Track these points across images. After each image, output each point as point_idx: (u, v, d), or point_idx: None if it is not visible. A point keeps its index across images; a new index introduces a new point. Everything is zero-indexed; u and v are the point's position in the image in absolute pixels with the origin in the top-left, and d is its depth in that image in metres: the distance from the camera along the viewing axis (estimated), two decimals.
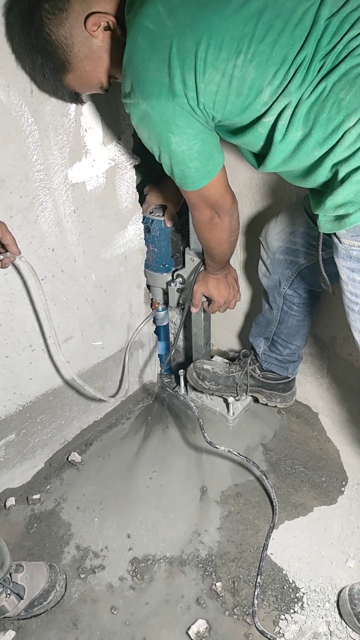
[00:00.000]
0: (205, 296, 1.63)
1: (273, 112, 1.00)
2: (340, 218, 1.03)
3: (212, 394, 1.87)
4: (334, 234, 1.09)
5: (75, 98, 1.22)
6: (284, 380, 1.76)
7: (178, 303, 1.77)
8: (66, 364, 1.49)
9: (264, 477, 1.61)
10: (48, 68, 1.10)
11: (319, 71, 0.94)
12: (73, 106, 1.31)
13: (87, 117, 1.36)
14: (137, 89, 1.01)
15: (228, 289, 1.60)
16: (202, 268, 1.59)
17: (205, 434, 1.60)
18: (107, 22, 1.05)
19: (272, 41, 0.94)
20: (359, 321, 1.17)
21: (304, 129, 0.99)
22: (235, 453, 1.61)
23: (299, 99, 0.97)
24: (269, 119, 1.01)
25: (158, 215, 1.67)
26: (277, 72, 0.96)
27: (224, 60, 0.96)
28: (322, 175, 1.02)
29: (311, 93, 0.95)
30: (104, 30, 1.06)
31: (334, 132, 0.95)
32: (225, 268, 1.56)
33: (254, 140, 1.08)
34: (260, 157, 1.13)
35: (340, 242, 1.08)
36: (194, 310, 1.66)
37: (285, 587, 1.39)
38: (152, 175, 1.67)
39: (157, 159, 1.16)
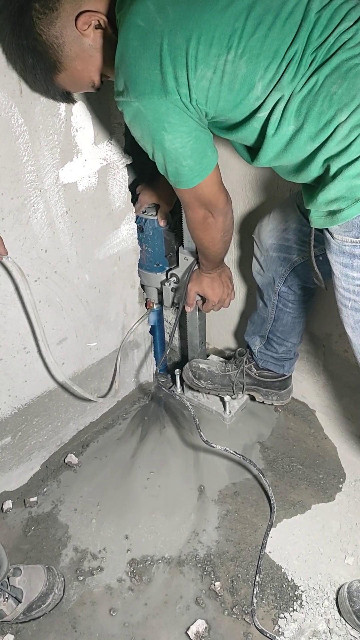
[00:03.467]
0: (199, 295, 1.62)
1: (266, 106, 1.00)
2: (332, 213, 1.03)
3: (209, 393, 1.87)
4: (327, 229, 1.08)
5: (67, 97, 1.22)
6: (281, 378, 1.76)
7: (173, 302, 1.76)
8: (56, 365, 1.49)
9: (261, 475, 1.61)
10: (39, 68, 1.09)
11: (310, 65, 0.94)
12: (63, 106, 1.30)
13: (78, 116, 1.35)
14: (130, 87, 1.01)
15: (222, 288, 1.60)
16: (196, 267, 1.58)
17: (202, 434, 1.60)
18: (98, 21, 1.04)
19: (262, 36, 0.94)
20: (352, 317, 1.16)
21: (296, 123, 0.98)
22: (232, 452, 1.61)
23: (291, 93, 0.96)
24: (263, 114, 1.01)
25: (151, 215, 1.66)
26: (269, 67, 0.95)
27: (215, 56, 0.96)
28: (314, 170, 1.02)
29: (303, 87, 0.95)
30: (95, 29, 1.06)
31: (325, 126, 0.95)
32: (219, 267, 1.56)
33: (249, 135, 1.07)
34: (253, 151, 1.12)
35: (332, 237, 1.08)
36: (188, 309, 1.65)
37: (284, 586, 1.39)
38: (144, 174, 1.67)
39: (150, 157, 1.15)
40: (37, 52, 1.07)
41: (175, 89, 0.99)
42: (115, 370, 1.82)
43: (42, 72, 1.10)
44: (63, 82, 1.13)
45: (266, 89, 0.98)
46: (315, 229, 1.17)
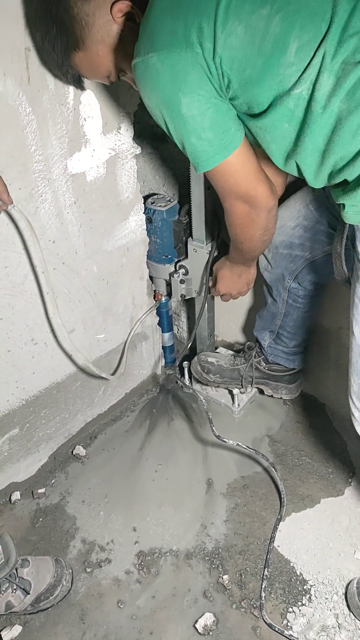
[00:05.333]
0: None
1: (304, 80, 0.87)
2: None
3: (218, 387, 1.86)
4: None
5: (78, 81, 1.17)
6: (290, 372, 1.75)
7: (181, 295, 1.75)
8: (65, 334, 1.46)
9: (272, 469, 1.60)
10: (60, 41, 1.05)
11: None
12: (71, 95, 1.28)
13: (86, 105, 1.33)
14: (149, 42, 0.93)
15: (235, 286, 1.52)
16: (217, 253, 1.54)
17: (214, 428, 1.58)
18: (133, 13, 1.00)
19: None
20: None
21: (347, 101, 0.87)
22: (244, 446, 1.60)
23: (334, 60, 0.84)
24: (300, 90, 0.89)
25: (160, 206, 1.64)
26: (306, 27, 0.84)
27: (248, 12, 0.86)
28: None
29: (350, 55, 0.83)
30: (127, 20, 1.02)
31: None
32: (247, 265, 1.45)
33: (282, 119, 0.94)
34: (283, 149, 1.02)
35: None
36: (215, 293, 1.59)
37: (292, 580, 1.38)
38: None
39: (167, 133, 1.04)
40: (64, 25, 1.02)
41: (197, 41, 0.89)
42: (122, 353, 1.79)
43: (62, 46, 1.06)
44: (80, 62, 1.08)
45: (301, 53, 0.85)
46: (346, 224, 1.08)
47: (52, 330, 1.47)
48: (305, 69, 0.87)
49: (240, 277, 1.50)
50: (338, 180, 1.00)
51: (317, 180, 1.04)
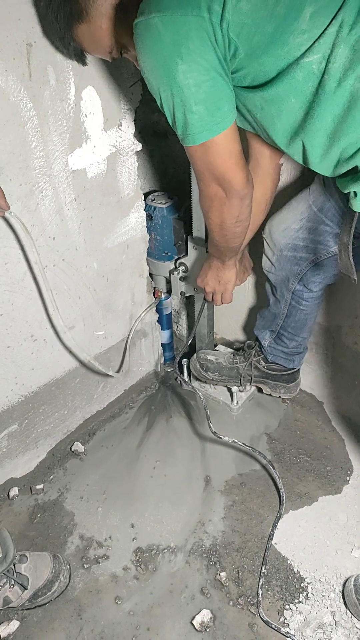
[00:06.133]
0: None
1: (317, 49, 0.81)
2: None
3: (216, 384, 1.86)
4: None
5: (80, 55, 1.13)
6: (289, 372, 1.75)
7: (181, 292, 1.75)
8: (66, 329, 1.45)
9: (271, 467, 1.60)
10: (63, 11, 1.02)
11: None
12: (73, 91, 1.28)
13: (87, 102, 1.33)
14: (154, 2, 0.88)
15: (214, 282, 1.45)
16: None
17: (211, 425, 1.59)
18: None
19: None
20: None
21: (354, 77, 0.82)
22: (240, 444, 1.60)
23: (352, 31, 0.78)
24: (312, 58, 0.82)
25: (160, 203, 1.64)
26: None
27: None
28: None
29: None
30: None
31: None
32: (223, 261, 1.38)
33: (289, 92, 0.89)
34: (287, 127, 0.97)
35: None
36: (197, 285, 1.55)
37: (289, 577, 1.38)
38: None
39: (159, 103, 1.00)
40: None
41: (205, 5, 0.85)
42: (124, 351, 1.80)
43: (65, 17, 1.03)
44: (82, 35, 1.05)
45: (316, 20, 0.79)
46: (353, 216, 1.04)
47: (53, 327, 1.46)
48: (318, 38, 0.82)
49: (214, 272, 1.44)
50: (347, 167, 0.96)
51: (322, 164, 1.00)
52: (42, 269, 1.34)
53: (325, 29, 0.82)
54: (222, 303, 1.52)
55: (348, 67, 0.83)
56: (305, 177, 1.47)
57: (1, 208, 1.17)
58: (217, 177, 1.09)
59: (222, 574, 1.40)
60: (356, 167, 0.96)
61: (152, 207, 1.65)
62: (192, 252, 1.66)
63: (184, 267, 1.71)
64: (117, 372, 1.76)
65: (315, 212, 1.34)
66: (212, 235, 1.30)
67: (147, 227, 1.68)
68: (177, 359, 1.79)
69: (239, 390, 1.81)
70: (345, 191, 1.00)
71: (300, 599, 1.34)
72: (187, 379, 1.93)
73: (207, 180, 1.10)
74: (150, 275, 1.80)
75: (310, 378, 1.86)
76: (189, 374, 1.92)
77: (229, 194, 1.12)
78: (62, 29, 1.06)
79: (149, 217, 1.66)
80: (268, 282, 1.59)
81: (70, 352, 1.62)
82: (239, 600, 1.35)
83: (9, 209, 1.19)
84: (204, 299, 1.67)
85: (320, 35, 0.82)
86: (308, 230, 1.37)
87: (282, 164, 1.41)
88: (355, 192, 0.98)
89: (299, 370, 1.77)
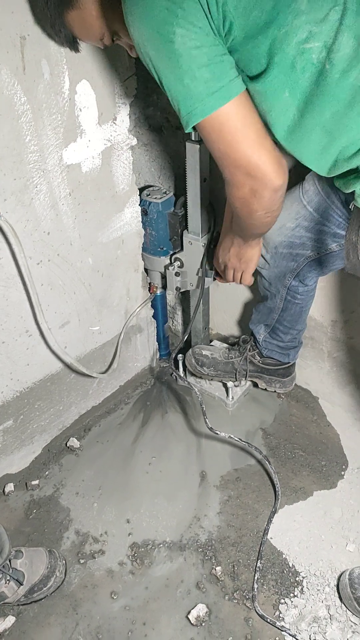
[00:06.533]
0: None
1: (317, 36, 0.75)
2: None
3: (212, 379, 1.86)
4: None
5: (72, 42, 1.10)
6: (284, 366, 1.75)
7: (176, 287, 1.74)
8: (48, 331, 1.45)
9: (266, 462, 1.60)
10: None
11: None
12: (67, 84, 1.27)
13: (82, 95, 1.32)
14: None
15: (231, 257, 1.40)
16: (212, 245, 1.51)
17: (207, 420, 1.59)
18: None
19: None
20: None
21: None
22: (236, 439, 1.60)
23: (358, 18, 0.73)
24: (312, 45, 0.76)
25: (155, 198, 1.63)
26: None
27: None
28: None
29: None
30: None
31: None
32: (245, 239, 1.31)
33: (283, 84, 0.82)
34: (282, 120, 0.90)
35: None
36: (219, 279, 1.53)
37: (285, 571, 1.39)
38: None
39: (155, 76, 0.90)
40: None
41: None
42: (116, 349, 1.80)
43: (55, 3, 1.00)
44: (73, 21, 1.03)
45: (315, 2, 0.73)
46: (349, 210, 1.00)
47: (47, 324, 1.46)
48: (318, 24, 0.76)
49: (236, 249, 1.37)
50: (347, 167, 0.92)
51: (319, 163, 0.96)
52: (30, 273, 1.33)
53: (327, 14, 0.77)
54: (241, 283, 1.45)
55: (353, 57, 0.78)
56: (299, 174, 1.46)
57: None
58: (241, 164, 0.93)
59: (218, 568, 1.40)
60: (357, 167, 0.92)
61: (147, 202, 1.64)
62: (188, 247, 1.65)
63: (179, 263, 1.70)
64: (105, 372, 1.76)
65: (311, 212, 1.33)
66: (238, 220, 1.17)
67: (142, 222, 1.67)
68: (173, 355, 1.79)
69: (235, 385, 1.81)
70: (349, 190, 0.97)
71: (296, 593, 1.34)
72: (182, 375, 1.93)
73: (231, 168, 0.95)
74: (146, 270, 1.79)
75: (305, 373, 1.86)
76: (184, 370, 1.92)
77: (258, 183, 0.95)
78: (52, 15, 1.03)
79: (144, 212, 1.65)
80: (261, 278, 1.59)
81: (66, 347, 1.61)
82: (235, 594, 1.35)
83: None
84: (214, 278, 1.61)
85: (321, 21, 0.77)
86: (305, 228, 1.37)
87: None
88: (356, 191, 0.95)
89: (294, 364, 1.77)
